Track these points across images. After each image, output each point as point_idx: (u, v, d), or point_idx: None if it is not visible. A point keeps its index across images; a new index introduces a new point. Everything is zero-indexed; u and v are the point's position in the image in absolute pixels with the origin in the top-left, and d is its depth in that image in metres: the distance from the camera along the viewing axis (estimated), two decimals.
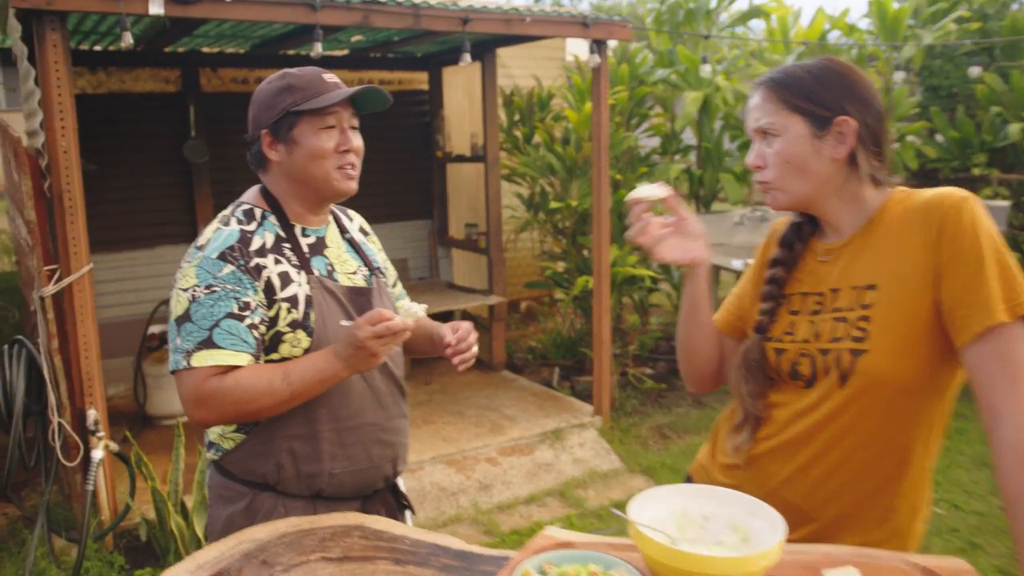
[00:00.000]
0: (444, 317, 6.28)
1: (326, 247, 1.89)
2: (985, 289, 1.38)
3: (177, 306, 1.73)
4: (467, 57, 4.43)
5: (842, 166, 1.51)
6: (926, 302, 1.43)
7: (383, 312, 1.65)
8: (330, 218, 1.95)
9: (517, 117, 6.64)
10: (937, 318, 1.43)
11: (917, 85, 6.99)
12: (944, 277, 1.41)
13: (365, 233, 2.06)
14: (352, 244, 1.96)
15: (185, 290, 1.72)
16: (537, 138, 6.45)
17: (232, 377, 1.69)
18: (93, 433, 3.65)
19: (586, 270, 5.82)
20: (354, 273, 1.91)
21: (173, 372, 1.72)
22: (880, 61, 6.69)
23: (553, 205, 5.84)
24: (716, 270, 6.32)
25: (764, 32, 7.04)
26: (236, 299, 1.71)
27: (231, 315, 1.70)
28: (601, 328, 5.11)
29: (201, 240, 1.78)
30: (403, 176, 6.73)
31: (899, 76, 6.25)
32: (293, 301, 1.77)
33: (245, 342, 1.72)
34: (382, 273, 1.99)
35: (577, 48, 7.78)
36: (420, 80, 6.82)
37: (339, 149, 1.80)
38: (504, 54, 7.07)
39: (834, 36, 6.96)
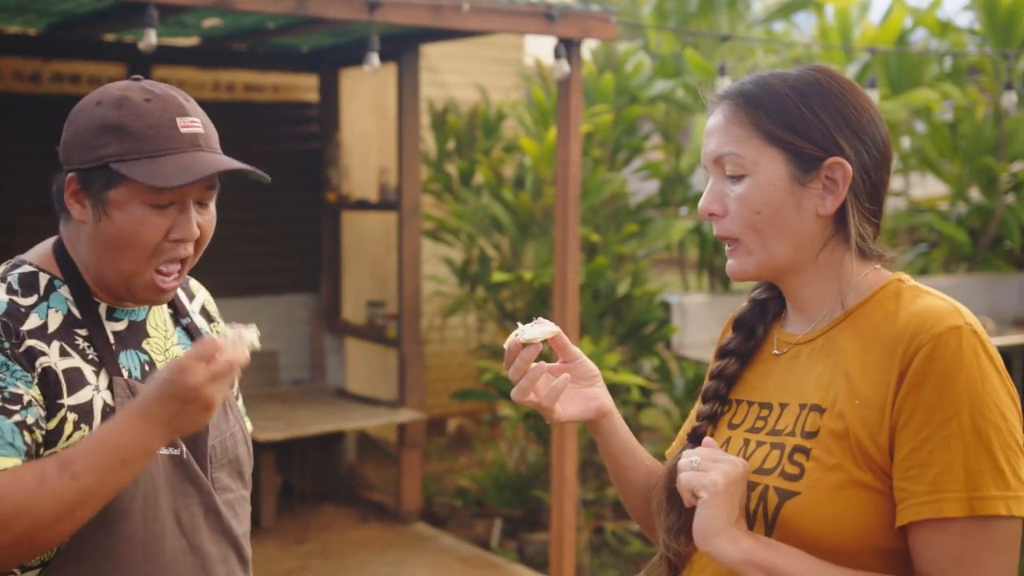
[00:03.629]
0: (330, 441, 5.73)
1: (146, 336, 1.65)
2: (937, 466, 1.25)
3: None
4: (374, 59, 4.09)
5: (826, 226, 1.37)
6: (879, 447, 1.30)
7: (216, 342, 1.44)
8: None
9: (452, 145, 5.96)
10: (889, 474, 1.31)
11: None
12: (899, 431, 1.28)
13: (210, 319, 1.81)
14: (189, 333, 1.72)
15: None
16: (479, 177, 5.87)
17: None
18: None
19: None
20: None
21: None
22: (986, 76, 6.12)
23: (497, 277, 5.18)
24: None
25: (815, 31, 6.49)
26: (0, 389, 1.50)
27: None
28: (564, 460, 4.46)
29: None
30: (273, 229, 5.99)
31: (1011, 99, 5.20)
32: (84, 413, 1.52)
33: (11, 445, 1.45)
34: None
35: (542, 47, 7.21)
36: (306, 87, 6.11)
37: (169, 238, 1.53)
38: (434, 53, 6.29)
39: (918, 37, 6.43)
